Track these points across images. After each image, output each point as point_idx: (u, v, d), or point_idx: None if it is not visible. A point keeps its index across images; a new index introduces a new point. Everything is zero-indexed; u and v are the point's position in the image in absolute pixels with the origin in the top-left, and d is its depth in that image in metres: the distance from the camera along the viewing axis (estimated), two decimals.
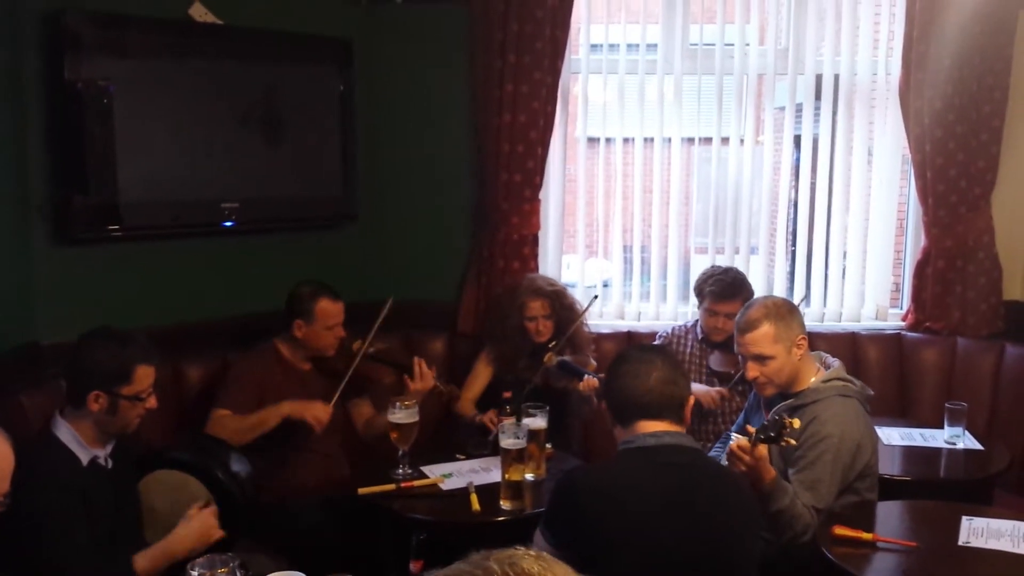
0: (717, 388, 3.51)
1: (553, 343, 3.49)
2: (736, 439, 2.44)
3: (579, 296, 4.15)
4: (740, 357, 2.78)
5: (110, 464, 2.44)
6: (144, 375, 2.39)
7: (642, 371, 2.13)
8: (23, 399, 2.80)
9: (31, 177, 3.12)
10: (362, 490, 2.84)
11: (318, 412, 3.06)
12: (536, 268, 4.09)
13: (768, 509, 2.45)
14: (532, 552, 1.04)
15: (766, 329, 2.64)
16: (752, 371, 2.68)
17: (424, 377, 3.22)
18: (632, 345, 2.25)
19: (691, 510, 2.03)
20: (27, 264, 3.13)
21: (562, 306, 3.60)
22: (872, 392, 2.77)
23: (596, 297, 3.76)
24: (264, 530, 2.92)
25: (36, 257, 3.16)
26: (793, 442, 2.41)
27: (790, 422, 2.37)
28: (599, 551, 1.97)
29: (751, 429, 2.41)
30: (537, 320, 3.55)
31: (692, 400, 2.20)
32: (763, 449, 2.39)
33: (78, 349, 2.41)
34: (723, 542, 2.06)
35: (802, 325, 2.72)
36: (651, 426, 2.11)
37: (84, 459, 2.36)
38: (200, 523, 2.41)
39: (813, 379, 2.69)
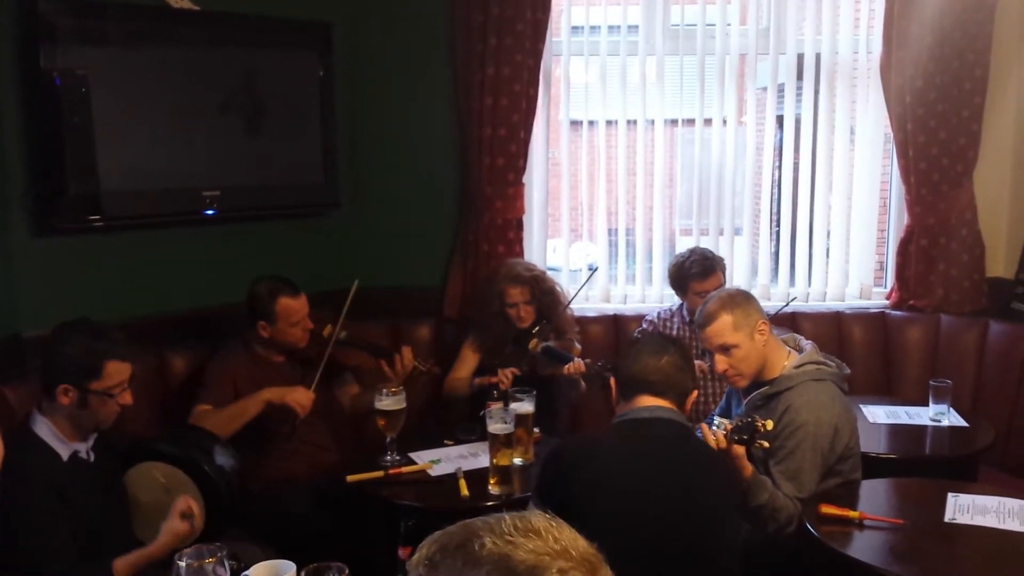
0: (698, 362, 3.52)
1: (536, 329, 3.48)
2: (719, 423, 2.45)
3: (563, 281, 4.16)
4: (707, 354, 2.79)
5: (92, 457, 2.41)
6: (116, 371, 2.33)
7: (657, 350, 2.24)
8: (7, 392, 2.78)
9: (10, 168, 3.09)
10: (350, 477, 2.84)
11: (299, 396, 3.04)
12: (521, 252, 4.07)
13: (748, 504, 2.47)
14: (548, 515, 1.07)
15: (725, 318, 2.66)
16: (721, 364, 2.69)
17: (400, 365, 3.21)
18: (650, 332, 2.38)
19: (675, 481, 2.07)
20: (7, 256, 3.10)
21: (542, 291, 3.60)
22: (849, 371, 2.78)
23: (596, 269, 3.78)
24: (254, 519, 2.91)
25: (16, 249, 3.13)
26: (766, 444, 2.44)
27: (762, 424, 2.39)
28: (584, 516, 1.98)
29: (728, 426, 2.42)
30: (518, 307, 3.55)
31: (695, 394, 2.29)
32: (739, 448, 2.41)
33: (50, 341, 2.37)
34: (704, 515, 2.09)
35: (760, 311, 2.72)
36: (651, 401, 2.19)
37: (64, 454, 2.33)
38: (179, 529, 2.37)
39: (786, 364, 2.70)
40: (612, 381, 2.34)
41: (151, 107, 3.34)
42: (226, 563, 1.81)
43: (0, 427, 1.92)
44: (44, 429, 2.32)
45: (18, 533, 2.15)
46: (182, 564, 1.76)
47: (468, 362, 3.69)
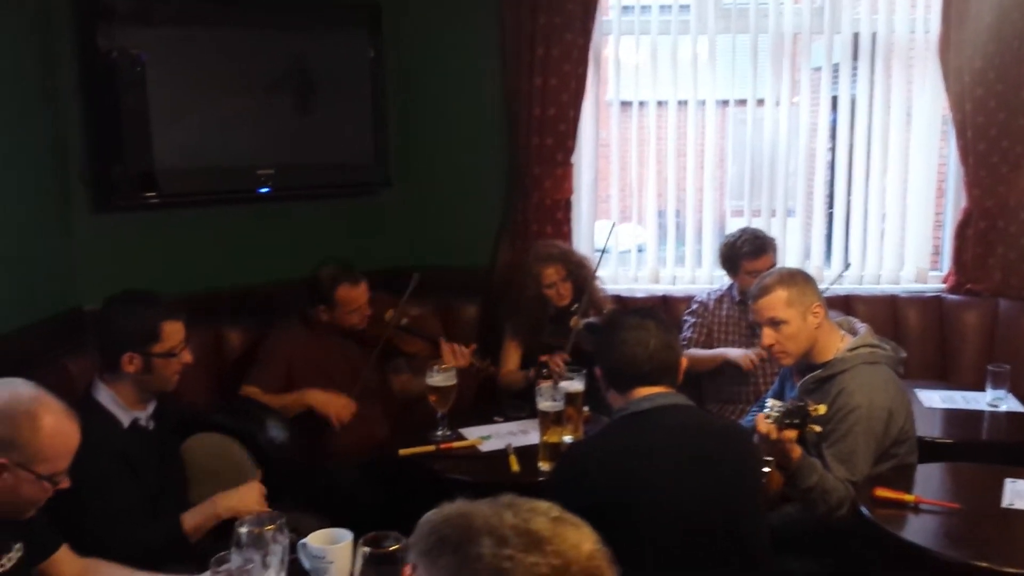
0: (755, 350, 3.49)
1: (575, 306, 3.48)
2: (771, 406, 2.43)
3: (612, 263, 4.13)
4: (757, 327, 2.78)
5: (151, 426, 2.46)
6: (172, 331, 2.41)
7: (641, 339, 2.15)
8: (68, 364, 2.84)
9: (70, 146, 3.16)
10: (402, 451, 2.87)
11: (341, 410, 3.09)
12: (569, 233, 4.07)
13: (798, 487, 2.46)
14: (554, 512, 1.06)
15: (779, 293, 2.65)
16: (767, 338, 2.68)
17: (458, 355, 3.24)
18: (621, 310, 2.27)
19: (692, 465, 2.05)
20: (68, 231, 3.18)
21: (575, 264, 3.60)
22: (905, 354, 2.74)
23: (614, 225, 3.74)
24: (307, 492, 2.95)
25: (77, 224, 3.21)
26: (818, 429, 2.41)
27: (814, 408, 2.36)
28: (610, 517, 1.98)
29: (778, 410, 2.39)
30: (556, 285, 3.54)
31: (685, 362, 2.24)
32: (789, 432, 2.38)
33: (103, 315, 2.45)
34: (728, 491, 2.07)
35: (817, 294, 2.70)
36: (648, 391, 2.14)
37: (125, 421, 2.39)
38: (247, 488, 2.41)
39: (840, 347, 2.67)
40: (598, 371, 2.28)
41: (206, 86, 3.39)
42: (285, 530, 1.83)
43: (64, 399, 1.97)
44: (106, 397, 2.38)
45: (85, 499, 2.20)
46: (243, 531, 1.79)
47: (512, 355, 3.67)
